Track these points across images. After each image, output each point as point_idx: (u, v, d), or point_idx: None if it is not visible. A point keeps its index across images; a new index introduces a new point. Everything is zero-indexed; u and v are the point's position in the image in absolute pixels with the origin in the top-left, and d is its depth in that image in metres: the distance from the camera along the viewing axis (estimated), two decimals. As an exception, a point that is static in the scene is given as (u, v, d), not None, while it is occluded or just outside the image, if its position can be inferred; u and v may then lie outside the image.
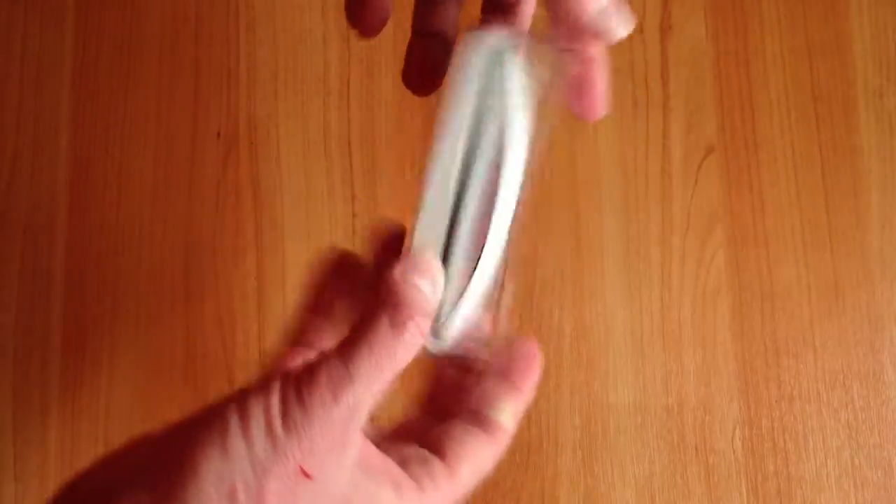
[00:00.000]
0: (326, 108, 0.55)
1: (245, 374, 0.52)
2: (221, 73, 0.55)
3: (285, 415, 0.25)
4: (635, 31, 0.56)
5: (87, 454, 0.52)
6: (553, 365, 0.52)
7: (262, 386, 0.26)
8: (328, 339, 0.33)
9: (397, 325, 0.27)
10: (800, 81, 0.56)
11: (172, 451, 0.25)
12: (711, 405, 0.52)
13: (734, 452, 0.51)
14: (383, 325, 0.27)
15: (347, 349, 0.27)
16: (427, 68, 0.34)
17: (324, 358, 0.27)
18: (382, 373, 0.27)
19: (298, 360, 0.32)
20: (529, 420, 0.51)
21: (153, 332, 0.53)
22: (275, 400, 0.25)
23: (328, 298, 0.34)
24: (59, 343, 0.53)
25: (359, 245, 0.55)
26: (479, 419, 0.31)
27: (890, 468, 0.51)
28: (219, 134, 0.55)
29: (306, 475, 0.25)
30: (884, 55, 0.56)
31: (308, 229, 0.54)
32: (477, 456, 0.30)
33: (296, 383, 0.26)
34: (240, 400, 0.26)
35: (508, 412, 0.31)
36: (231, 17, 0.56)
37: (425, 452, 0.30)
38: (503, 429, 0.31)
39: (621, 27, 0.28)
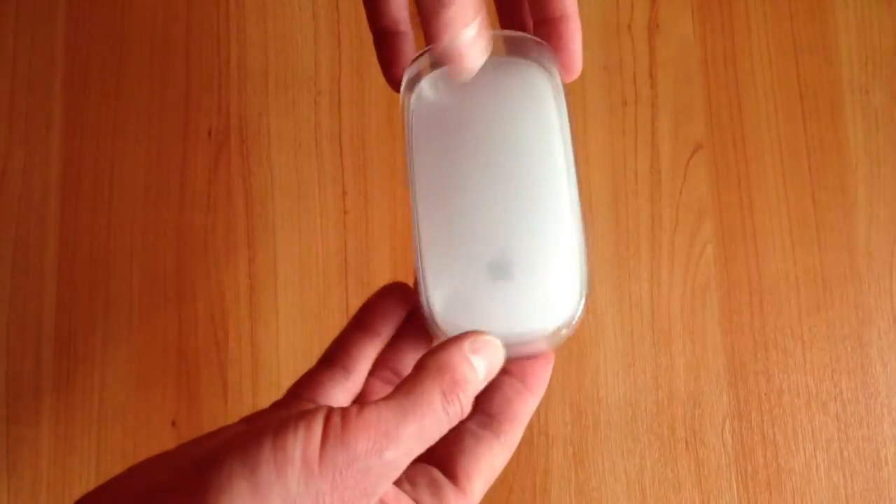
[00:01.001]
0: (317, 106, 0.56)
1: (238, 372, 0.53)
2: (212, 73, 0.56)
3: (324, 454, 0.24)
4: (624, 30, 0.57)
5: (80, 452, 0.52)
6: (544, 360, 0.52)
7: (302, 417, 0.25)
8: (366, 363, 0.34)
9: (450, 401, 0.27)
10: (786, 79, 0.56)
11: (199, 477, 0.24)
12: (701, 399, 0.52)
13: (724, 445, 0.52)
14: (436, 397, 0.27)
15: (399, 408, 0.26)
16: (393, 67, 0.35)
17: (374, 406, 0.26)
18: (425, 438, 0.26)
19: (337, 390, 0.32)
20: (521, 415, 0.52)
21: (145, 330, 0.53)
22: (316, 436, 0.24)
23: (376, 322, 0.34)
24: (52, 342, 0.53)
25: (349, 240, 0.55)
26: (490, 422, 0.31)
27: (878, 460, 0.52)
28: (210, 133, 0.55)
29: None
30: (869, 53, 0.57)
31: (299, 227, 0.54)
32: (490, 467, 0.30)
33: (343, 423, 0.25)
34: (277, 429, 0.24)
35: (520, 413, 0.31)
36: (221, 17, 0.56)
37: (436, 474, 0.30)
38: (514, 431, 0.31)
39: (471, 60, 0.29)
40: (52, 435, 0.52)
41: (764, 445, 0.52)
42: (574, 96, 0.56)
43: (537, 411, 0.52)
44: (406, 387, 0.27)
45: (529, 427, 0.51)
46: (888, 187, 0.55)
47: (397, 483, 0.29)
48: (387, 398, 0.27)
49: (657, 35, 0.57)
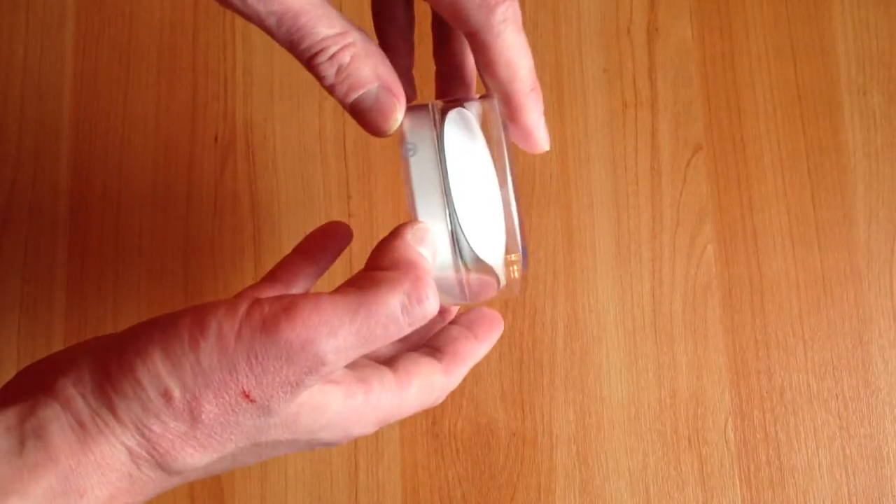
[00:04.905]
0: (321, 111, 0.56)
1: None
2: (218, 79, 0.56)
3: (242, 333, 0.24)
4: (623, 33, 0.57)
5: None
6: (546, 360, 0.53)
7: (227, 303, 0.24)
8: (304, 282, 0.35)
9: (414, 300, 0.25)
10: (785, 81, 0.57)
11: (121, 343, 0.25)
12: (704, 397, 0.53)
13: (727, 443, 0.52)
14: (397, 296, 0.25)
15: (343, 303, 0.25)
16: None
17: (315, 297, 0.24)
18: (368, 342, 0.25)
19: (270, 293, 0.33)
20: (524, 414, 0.52)
21: (153, 333, 0.54)
22: (237, 316, 0.24)
23: (317, 249, 0.36)
24: (62, 346, 0.53)
25: (354, 243, 0.55)
26: (437, 352, 0.31)
27: (880, 457, 0.52)
28: (216, 138, 0.56)
29: (249, 399, 0.24)
30: (867, 54, 0.57)
31: (305, 230, 0.55)
32: (428, 377, 0.29)
33: (270, 312, 0.24)
34: (200, 308, 0.24)
35: (464, 351, 0.31)
36: (227, 25, 0.57)
37: (379, 365, 0.29)
38: (457, 364, 0.31)
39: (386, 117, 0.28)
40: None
41: (766, 443, 0.52)
42: (574, 99, 0.57)
43: (540, 410, 0.52)
44: (358, 280, 0.26)
45: (532, 426, 0.52)
46: (887, 187, 0.55)
47: None
48: (335, 291, 0.25)
49: (656, 38, 0.57)
